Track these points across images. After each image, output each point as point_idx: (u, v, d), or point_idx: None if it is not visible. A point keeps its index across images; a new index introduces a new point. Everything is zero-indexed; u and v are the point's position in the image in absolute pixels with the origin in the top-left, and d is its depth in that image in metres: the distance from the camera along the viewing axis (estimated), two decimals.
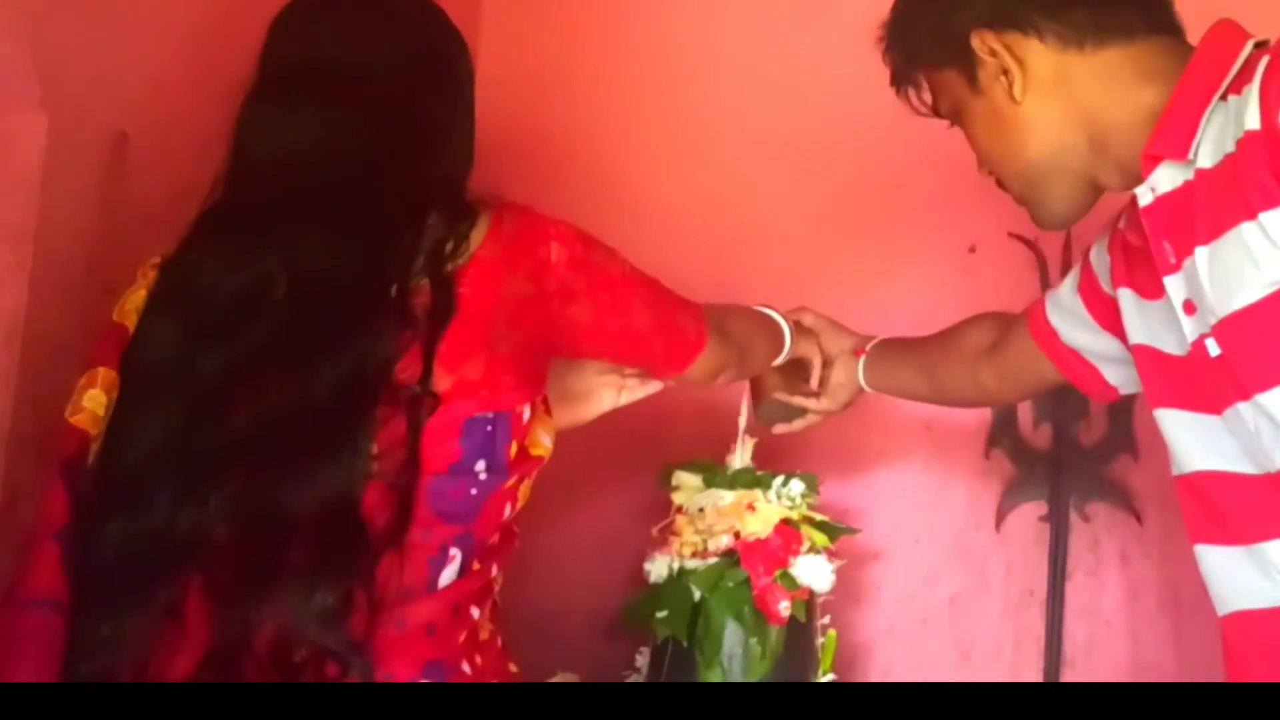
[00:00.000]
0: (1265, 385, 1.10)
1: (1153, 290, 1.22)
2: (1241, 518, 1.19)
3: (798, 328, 1.67)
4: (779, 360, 1.63)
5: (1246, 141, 1.06)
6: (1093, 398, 1.62)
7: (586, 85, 2.23)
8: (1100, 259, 1.40)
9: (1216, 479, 1.21)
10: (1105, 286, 1.39)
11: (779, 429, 1.76)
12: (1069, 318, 1.49)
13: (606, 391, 1.56)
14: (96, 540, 1.08)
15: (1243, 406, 1.13)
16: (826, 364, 1.72)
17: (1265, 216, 1.05)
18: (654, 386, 1.57)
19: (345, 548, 1.05)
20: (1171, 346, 1.23)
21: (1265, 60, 1.06)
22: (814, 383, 1.71)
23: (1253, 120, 1.05)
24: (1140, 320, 1.30)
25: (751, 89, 2.17)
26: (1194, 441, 1.23)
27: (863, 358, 1.71)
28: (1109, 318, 1.38)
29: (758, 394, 1.72)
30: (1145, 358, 1.29)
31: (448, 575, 1.12)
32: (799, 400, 1.72)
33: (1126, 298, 1.32)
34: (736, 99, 2.17)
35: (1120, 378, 1.45)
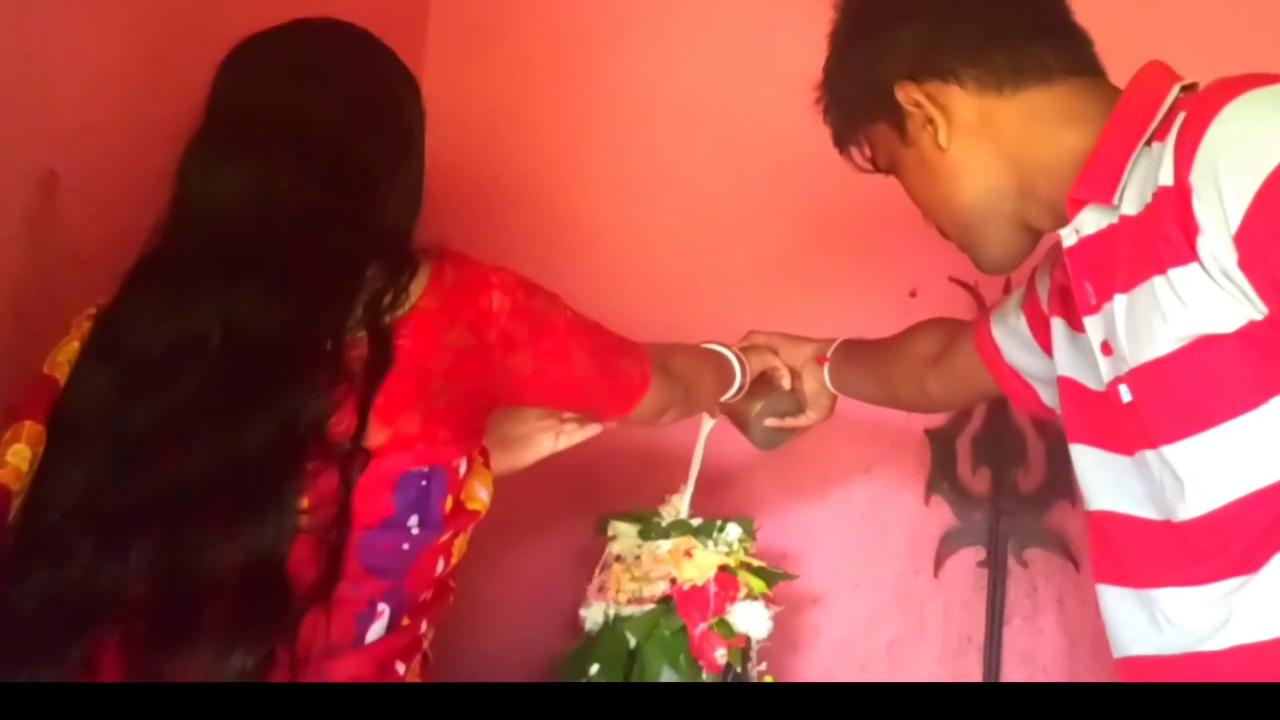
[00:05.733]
0: (1170, 438, 1.11)
1: (1080, 324, 1.24)
2: (1138, 561, 1.20)
3: (752, 350, 1.68)
4: (730, 394, 1.63)
5: (1161, 196, 1.07)
6: (1028, 415, 1.64)
7: (533, 125, 2.23)
8: (1043, 282, 1.41)
9: (1119, 521, 1.22)
10: (1045, 309, 1.40)
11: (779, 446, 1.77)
12: (1012, 336, 1.50)
13: (545, 436, 1.55)
14: (15, 593, 1.04)
15: (1149, 454, 1.15)
16: (795, 376, 1.74)
17: (1174, 273, 1.06)
18: (593, 430, 1.56)
19: (266, 607, 1.03)
20: (1092, 382, 1.25)
21: (1181, 116, 1.07)
22: (786, 384, 1.72)
23: (1167, 176, 1.06)
24: (1067, 351, 1.31)
25: (698, 132, 2.18)
26: (1103, 480, 1.25)
27: (826, 365, 1.73)
28: (1049, 340, 1.38)
29: (741, 424, 1.72)
30: (1067, 390, 1.31)
31: (375, 631, 1.10)
32: (789, 423, 1.74)
33: (1058, 326, 1.33)
34: (683, 141, 2.18)
35: (1056, 400, 1.46)
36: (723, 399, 1.65)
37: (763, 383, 1.71)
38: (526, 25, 2.25)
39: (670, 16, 2.23)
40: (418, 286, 1.15)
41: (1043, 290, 1.41)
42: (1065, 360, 1.32)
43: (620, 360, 1.38)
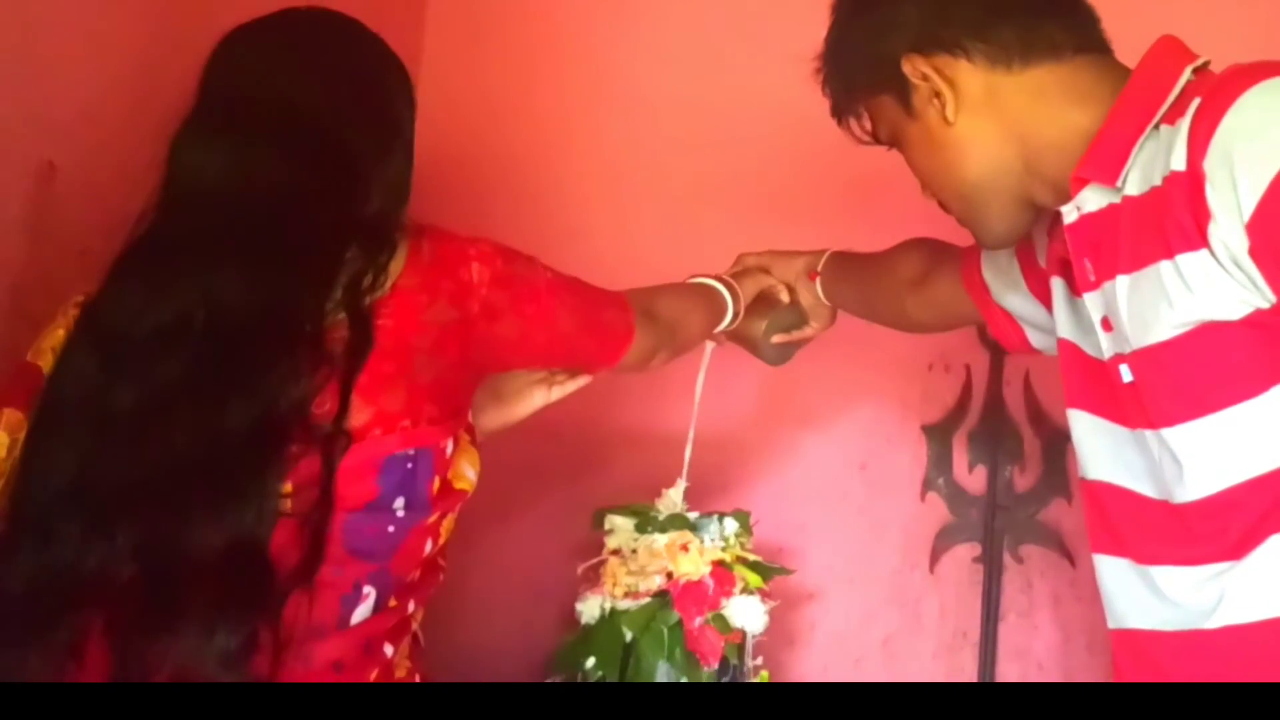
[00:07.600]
0: (1171, 421, 1.12)
1: (1079, 293, 1.24)
2: (1136, 535, 1.21)
3: (744, 273, 1.70)
4: (725, 324, 1.64)
5: (1172, 181, 1.07)
6: (1013, 351, 1.65)
7: (528, 118, 2.24)
8: (1040, 237, 1.39)
9: (1117, 493, 1.23)
10: (1040, 258, 1.39)
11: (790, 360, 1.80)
12: (1003, 278, 1.49)
13: (537, 389, 1.55)
14: (2, 575, 1.05)
15: (1149, 435, 1.15)
16: (791, 290, 1.75)
17: (1182, 258, 1.06)
18: (584, 379, 1.56)
19: (249, 589, 1.03)
20: (1091, 349, 1.25)
21: (1196, 102, 1.06)
22: (785, 299, 1.74)
23: (1179, 161, 1.06)
24: (1067, 313, 1.31)
25: (692, 127, 2.18)
26: (1102, 449, 1.25)
27: (818, 280, 1.74)
28: (1041, 288, 1.38)
29: (750, 345, 1.74)
30: (1067, 353, 1.31)
31: (361, 613, 1.11)
32: (796, 335, 1.76)
33: (1058, 288, 1.33)
34: (677, 136, 2.18)
35: (1044, 343, 1.46)
36: (719, 329, 1.66)
37: (763, 301, 1.72)
38: (523, 18, 2.26)
39: (666, 11, 2.24)
40: (396, 265, 1.16)
41: (1040, 244, 1.39)
42: (1065, 323, 1.31)
43: (603, 312, 1.40)
